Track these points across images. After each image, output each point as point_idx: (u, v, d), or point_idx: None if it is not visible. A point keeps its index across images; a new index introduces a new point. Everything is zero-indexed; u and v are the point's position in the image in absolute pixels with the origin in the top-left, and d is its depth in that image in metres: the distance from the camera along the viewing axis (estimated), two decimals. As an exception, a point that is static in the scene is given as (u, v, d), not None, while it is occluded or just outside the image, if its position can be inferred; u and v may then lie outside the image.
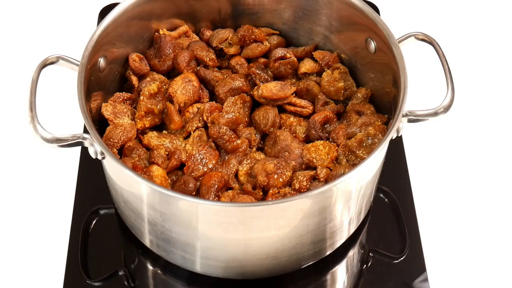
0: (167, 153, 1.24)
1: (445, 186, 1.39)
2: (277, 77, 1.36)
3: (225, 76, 1.35)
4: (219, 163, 1.24)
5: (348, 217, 1.18)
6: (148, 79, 1.32)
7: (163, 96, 1.28)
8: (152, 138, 1.25)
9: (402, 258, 1.27)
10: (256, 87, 1.29)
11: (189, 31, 1.40)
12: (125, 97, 1.29)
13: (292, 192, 1.18)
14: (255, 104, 1.31)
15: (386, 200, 1.35)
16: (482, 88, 1.57)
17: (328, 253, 1.23)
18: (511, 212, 1.36)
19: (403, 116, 1.13)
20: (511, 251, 1.31)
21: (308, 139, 1.28)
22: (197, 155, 1.23)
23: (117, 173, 1.14)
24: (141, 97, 1.25)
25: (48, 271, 1.26)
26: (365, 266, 1.27)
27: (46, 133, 1.08)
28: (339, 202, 1.11)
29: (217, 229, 1.08)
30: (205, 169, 1.22)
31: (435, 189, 1.39)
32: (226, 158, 1.24)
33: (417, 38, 1.24)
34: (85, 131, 1.12)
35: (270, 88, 1.28)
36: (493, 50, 1.65)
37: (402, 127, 1.14)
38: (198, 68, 1.35)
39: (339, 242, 1.23)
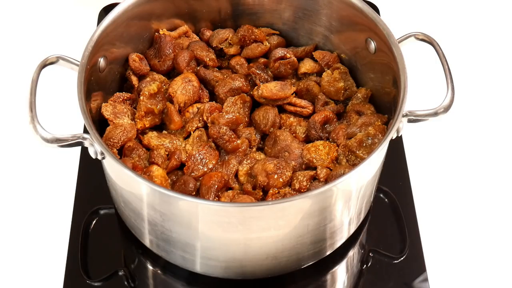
0: (167, 153, 1.24)
1: (445, 186, 1.39)
2: (277, 77, 1.36)
3: (225, 76, 1.35)
4: (219, 163, 1.24)
5: (348, 217, 1.18)
6: (148, 79, 1.32)
7: (163, 96, 1.28)
8: (152, 138, 1.25)
9: (402, 258, 1.27)
10: (256, 87, 1.29)
11: (189, 31, 1.40)
12: (125, 97, 1.29)
13: (292, 192, 1.18)
14: (255, 104, 1.31)
15: (386, 200, 1.35)
16: (482, 88, 1.57)
17: (328, 253, 1.23)
18: (510, 212, 1.36)
19: (403, 116, 1.13)
20: (510, 251, 1.31)
21: (308, 139, 1.28)
22: (197, 155, 1.23)
23: (117, 173, 1.14)
24: (141, 97, 1.25)
25: (48, 271, 1.26)
26: (365, 266, 1.27)
27: (46, 133, 1.08)
28: (339, 202, 1.11)
29: (217, 229, 1.08)
30: (205, 169, 1.22)
31: (435, 189, 1.39)
32: (226, 158, 1.24)
33: (417, 38, 1.24)
34: (85, 131, 1.12)
35: (270, 88, 1.28)
36: (493, 50, 1.65)
37: (402, 127, 1.14)
38: (198, 68, 1.35)
39: (339, 242, 1.23)
